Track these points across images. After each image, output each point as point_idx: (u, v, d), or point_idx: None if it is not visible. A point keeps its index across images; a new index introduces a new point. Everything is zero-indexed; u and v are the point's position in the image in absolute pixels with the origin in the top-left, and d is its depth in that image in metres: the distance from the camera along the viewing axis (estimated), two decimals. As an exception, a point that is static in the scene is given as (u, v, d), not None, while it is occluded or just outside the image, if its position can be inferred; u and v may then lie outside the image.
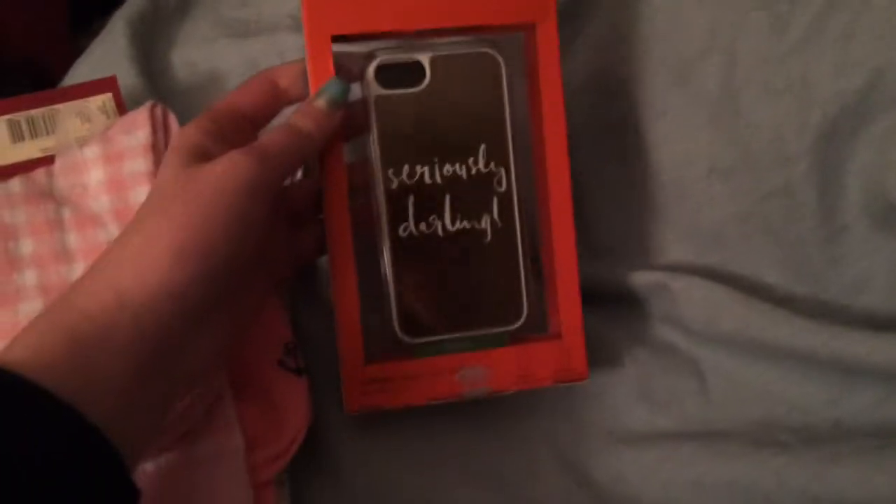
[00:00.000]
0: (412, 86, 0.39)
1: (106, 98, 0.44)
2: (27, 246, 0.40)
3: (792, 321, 0.42)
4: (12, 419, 0.26)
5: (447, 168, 0.39)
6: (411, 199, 0.39)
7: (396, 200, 0.39)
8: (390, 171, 0.38)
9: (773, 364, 0.44)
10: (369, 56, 0.39)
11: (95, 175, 0.41)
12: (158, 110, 0.42)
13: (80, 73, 0.51)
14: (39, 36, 1.12)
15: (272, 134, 0.35)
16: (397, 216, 0.39)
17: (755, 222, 0.45)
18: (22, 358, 0.27)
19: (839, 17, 0.44)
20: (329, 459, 0.45)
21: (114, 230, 0.40)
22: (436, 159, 0.39)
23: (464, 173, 0.39)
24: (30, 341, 0.28)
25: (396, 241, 0.39)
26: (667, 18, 0.46)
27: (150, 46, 0.51)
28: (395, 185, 0.39)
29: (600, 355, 0.46)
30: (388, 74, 0.39)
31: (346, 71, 0.38)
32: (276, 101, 0.39)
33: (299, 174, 0.45)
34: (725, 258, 0.46)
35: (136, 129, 0.41)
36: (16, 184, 0.41)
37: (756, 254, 0.45)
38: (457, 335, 0.39)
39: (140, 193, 0.40)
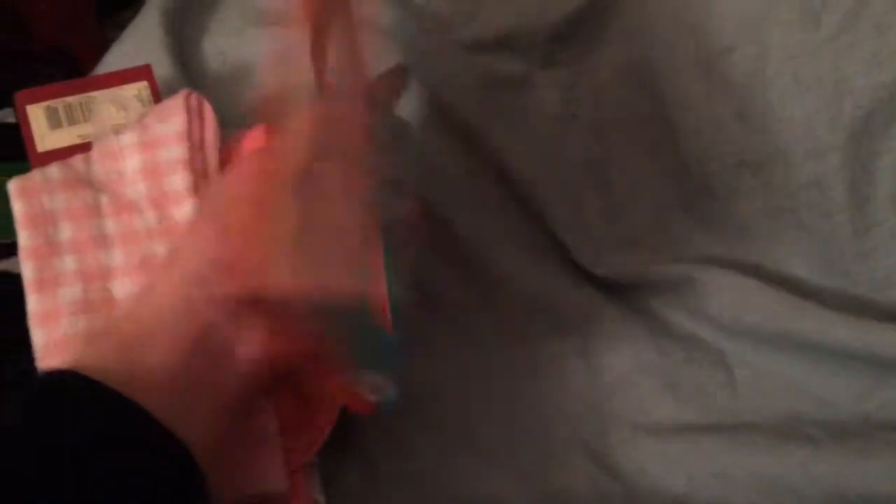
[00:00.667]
0: None
1: (141, 86, 0.44)
2: (66, 231, 0.40)
3: (821, 314, 0.42)
4: (75, 411, 0.28)
5: None
6: None
7: None
8: None
9: (801, 357, 0.44)
10: None
11: (131, 162, 0.41)
12: (193, 99, 0.43)
13: (114, 61, 0.51)
14: (68, 25, 1.13)
15: None
16: None
17: (785, 216, 0.45)
18: (80, 361, 0.30)
19: (872, 10, 0.44)
20: (357, 444, 0.45)
21: (150, 216, 0.41)
22: None
23: None
24: (87, 348, 0.32)
25: None
26: (697, 11, 0.46)
27: (182, 35, 0.52)
28: None
29: (626, 347, 0.47)
30: None
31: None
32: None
33: None
34: (754, 251, 0.46)
35: (172, 117, 0.42)
36: (54, 170, 0.41)
37: (785, 247, 0.45)
38: None
39: (175, 181, 0.41)
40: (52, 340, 0.39)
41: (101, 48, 0.56)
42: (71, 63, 1.21)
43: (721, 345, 0.45)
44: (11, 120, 0.51)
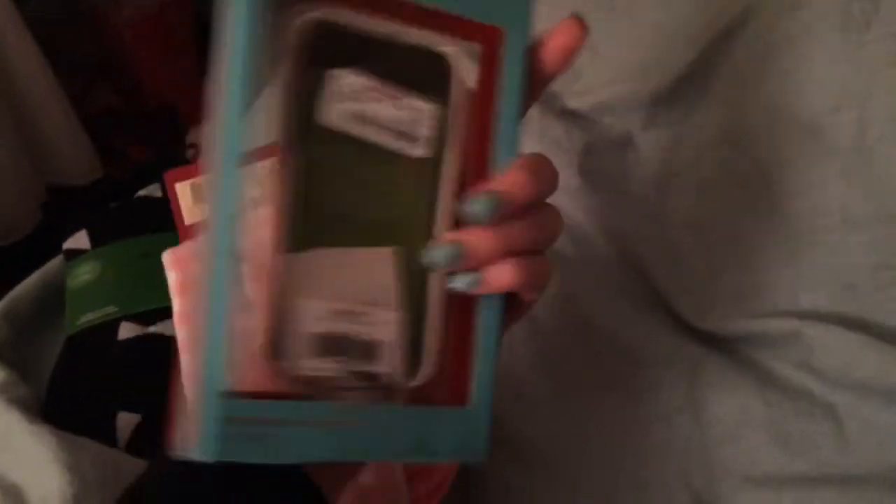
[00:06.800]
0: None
1: (275, 161, 0.49)
2: (215, 298, 0.44)
3: (930, 369, 0.43)
4: None
5: None
6: None
7: None
8: None
9: (911, 410, 0.44)
10: None
11: (269, 233, 0.45)
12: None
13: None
14: (175, 85, 1.22)
15: None
16: None
17: (890, 273, 0.46)
18: None
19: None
20: (476, 491, 0.48)
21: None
22: None
23: None
24: None
25: None
26: (798, 77, 0.48)
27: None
28: None
29: (732, 399, 0.48)
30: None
31: None
32: None
33: None
34: (859, 307, 0.47)
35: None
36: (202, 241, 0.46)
37: (890, 303, 0.46)
38: None
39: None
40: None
41: (200, 103, 0.60)
42: (175, 118, 1.29)
43: (830, 397, 0.46)
44: (158, 194, 0.56)
